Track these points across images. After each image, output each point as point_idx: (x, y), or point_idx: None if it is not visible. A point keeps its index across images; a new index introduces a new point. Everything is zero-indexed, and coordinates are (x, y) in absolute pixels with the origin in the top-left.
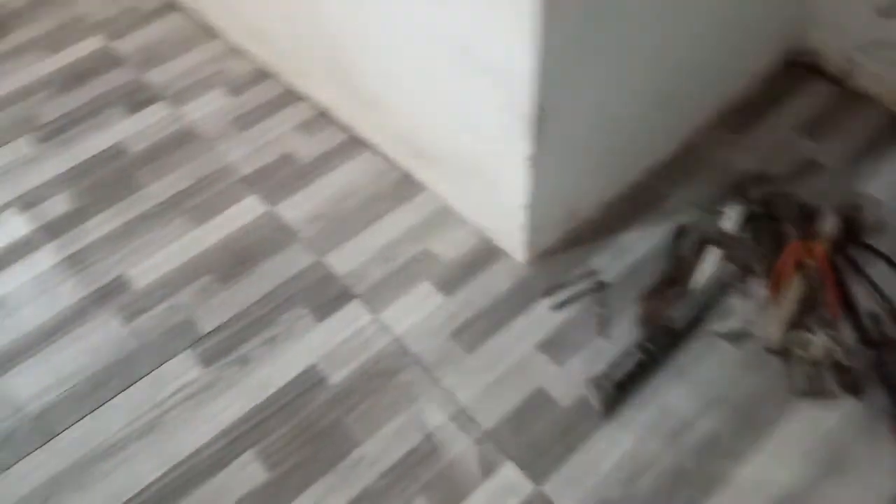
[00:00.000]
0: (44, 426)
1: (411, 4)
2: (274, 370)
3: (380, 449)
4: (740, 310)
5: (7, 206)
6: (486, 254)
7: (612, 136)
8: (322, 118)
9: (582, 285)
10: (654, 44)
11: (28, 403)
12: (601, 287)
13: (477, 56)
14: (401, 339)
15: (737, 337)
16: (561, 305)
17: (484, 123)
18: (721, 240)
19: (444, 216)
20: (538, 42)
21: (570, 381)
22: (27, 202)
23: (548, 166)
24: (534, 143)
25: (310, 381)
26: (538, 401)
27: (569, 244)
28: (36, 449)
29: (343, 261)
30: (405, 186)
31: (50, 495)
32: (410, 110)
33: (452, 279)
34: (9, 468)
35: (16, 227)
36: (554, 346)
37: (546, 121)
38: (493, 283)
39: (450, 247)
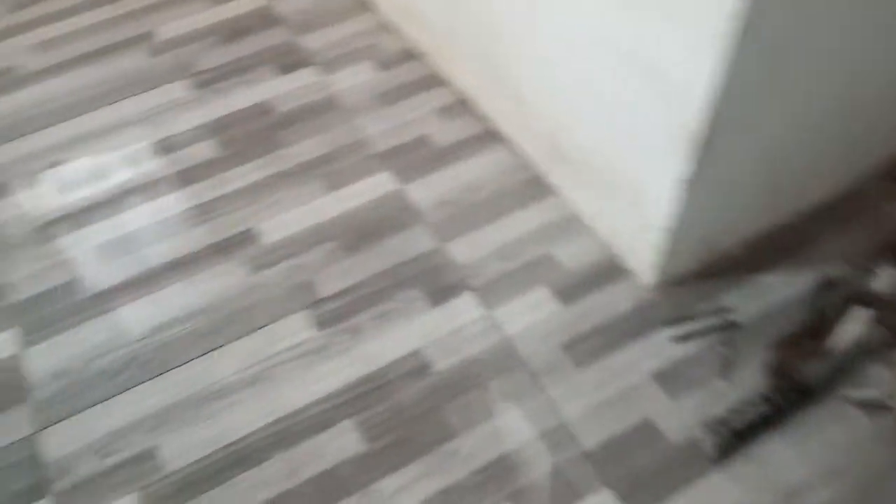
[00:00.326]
0: (160, 359)
1: (584, 1)
2: (382, 345)
3: (475, 445)
4: (881, 379)
5: (150, 146)
6: (610, 270)
7: (775, 171)
8: (463, 106)
9: (710, 321)
10: (843, 81)
11: (149, 335)
12: (731, 326)
13: (647, 63)
14: (511, 339)
15: (873, 407)
16: (684, 338)
17: (641, 135)
18: (871, 300)
19: (572, 224)
20: (725, 64)
21: (682, 417)
22: (169, 145)
23: (700, 193)
24: (693, 166)
25: (415, 363)
26: (645, 432)
27: (701, 275)
28: (150, 379)
29: (463, 251)
30: (536, 187)
31: (158, 425)
32: (559, 110)
33: (572, 289)
34: (123, 392)
35: (155, 167)
36: (670, 379)
37: (712, 146)
38: (614, 301)
39: (574, 256)
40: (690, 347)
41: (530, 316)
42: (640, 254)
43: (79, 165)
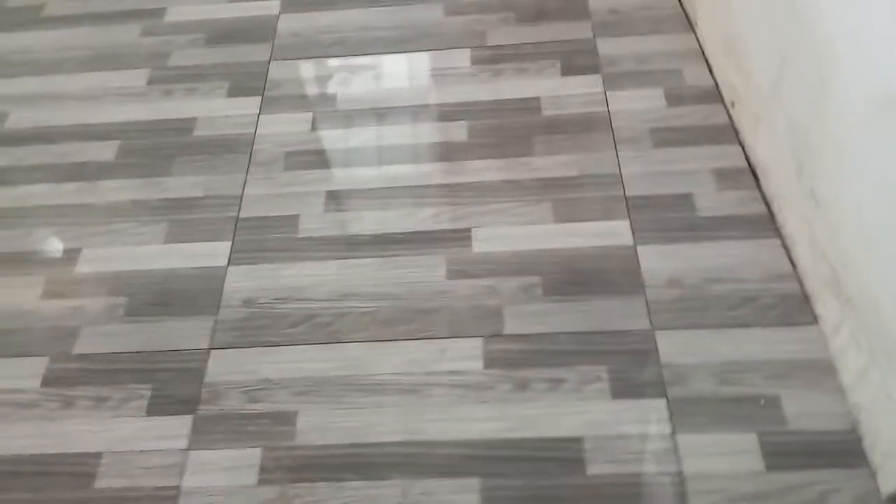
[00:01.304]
0: (336, 331)
1: None
2: (546, 420)
3: None
4: None
5: (408, 108)
6: (842, 451)
7: None
8: (747, 177)
9: None
10: None
11: (339, 300)
12: None
13: None
14: (692, 478)
15: None
16: None
17: None
18: None
19: (822, 372)
20: None
21: None
22: (426, 114)
23: None
24: None
25: (573, 451)
26: None
27: None
28: (322, 344)
29: (674, 349)
30: (795, 307)
31: (307, 391)
32: (859, 242)
33: (783, 452)
34: (294, 345)
35: (399, 133)
36: None
37: None
38: (832, 492)
39: (803, 411)
40: None
41: (721, 460)
42: (891, 456)
43: (337, 104)
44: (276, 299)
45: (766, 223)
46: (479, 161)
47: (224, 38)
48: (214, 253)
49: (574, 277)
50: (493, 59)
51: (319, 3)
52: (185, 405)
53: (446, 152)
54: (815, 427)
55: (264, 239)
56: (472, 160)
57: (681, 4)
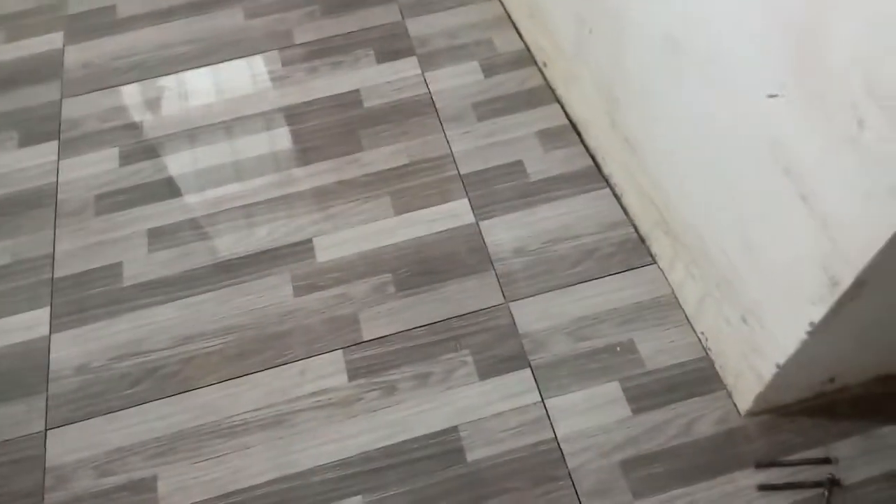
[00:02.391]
0: (185, 379)
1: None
2: (418, 418)
3: None
4: None
5: (222, 125)
6: (698, 379)
7: None
8: (570, 133)
9: (806, 473)
10: None
11: (181, 344)
12: (831, 485)
13: (809, 186)
14: (566, 440)
15: None
16: (770, 488)
17: (770, 252)
18: None
19: (667, 308)
20: None
21: None
22: (243, 126)
23: (827, 338)
24: (826, 315)
25: (450, 443)
26: None
27: (810, 412)
28: (170, 396)
29: (529, 317)
30: (632, 251)
31: (166, 450)
32: (674, 183)
33: (646, 393)
34: (140, 405)
35: (220, 151)
36: None
37: (856, 299)
38: (696, 420)
39: (657, 349)
40: (777, 500)
41: (591, 417)
42: (740, 375)
43: (147, 129)
44: (111, 359)
45: (594, 175)
46: (307, 167)
47: (5, 83)
48: (33, 324)
49: (424, 267)
50: (304, 57)
51: (106, 28)
52: (29, 499)
53: (272, 163)
54: (671, 361)
55: (87, 296)
56: (300, 167)
57: None
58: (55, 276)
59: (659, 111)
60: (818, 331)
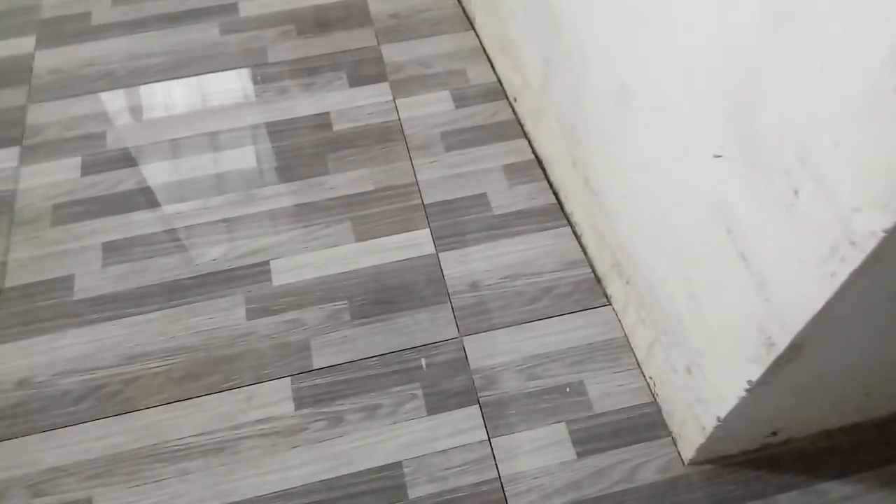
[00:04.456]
0: (128, 399)
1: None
2: (363, 451)
3: None
4: None
5: (192, 138)
6: (644, 424)
7: (868, 374)
8: (535, 168)
9: None
10: None
11: (127, 363)
12: None
13: (748, 248)
14: (510, 481)
15: None
16: None
17: (711, 311)
18: None
19: (619, 351)
20: (846, 296)
21: None
22: (212, 142)
23: (767, 395)
24: (764, 374)
25: (393, 479)
26: None
27: (753, 463)
28: (112, 416)
29: (482, 352)
30: (589, 291)
31: (103, 472)
32: (628, 228)
33: (592, 436)
34: (79, 423)
35: (190, 165)
36: None
37: (793, 361)
38: (640, 466)
39: (606, 392)
40: None
41: (540, 455)
42: (685, 423)
43: (109, 144)
44: (54, 375)
45: (556, 213)
46: (270, 187)
47: None
48: None
49: (381, 296)
50: (276, 76)
51: (80, 35)
52: None
53: (236, 181)
54: (619, 405)
55: (34, 308)
56: (262, 187)
57: (459, 4)
58: (4, 285)
59: (615, 155)
60: (756, 388)
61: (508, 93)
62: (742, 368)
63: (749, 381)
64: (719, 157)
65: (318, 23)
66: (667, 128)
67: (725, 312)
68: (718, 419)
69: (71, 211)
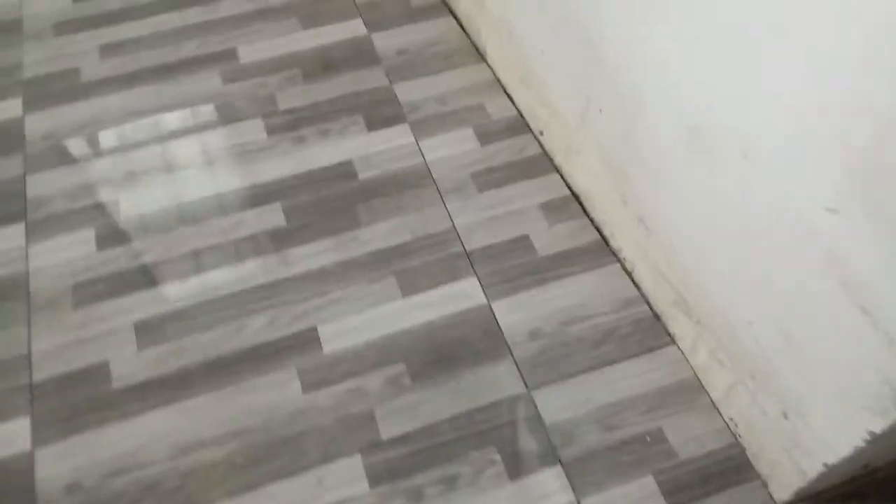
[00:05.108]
0: (188, 495)
1: (801, 200)
2: None
3: None
4: None
5: (205, 199)
6: (731, 468)
7: None
8: (572, 204)
9: None
10: None
11: (182, 454)
12: None
13: (866, 299)
14: None
15: None
16: None
17: (814, 357)
18: None
19: (691, 392)
20: None
21: None
22: (228, 203)
23: (886, 443)
24: (891, 426)
25: None
26: None
27: (842, 497)
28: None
29: (554, 406)
30: (649, 330)
31: None
32: (703, 268)
33: (681, 486)
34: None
35: (209, 231)
36: None
37: None
38: None
39: (687, 437)
40: None
41: None
42: (778, 465)
43: (122, 212)
44: (104, 476)
45: (602, 249)
46: (304, 246)
47: None
48: (11, 437)
49: (439, 354)
50: (290, 124)
51: (71, 93)
52: None
53: (266, 243)
54: (702, 450)
55: (71, 403)
56: (296, 247)
57: (467, 36)
58: (34, 380)
59: (683, 197)
60: (878, 439)
61: (533, 126)
62: (860, 419)
63: (871, 433)
64: (834, 211)
65: (323, 65)
66: (756, 174)
67: (836, 360)
68: (826, 465)
69: (92, 290)
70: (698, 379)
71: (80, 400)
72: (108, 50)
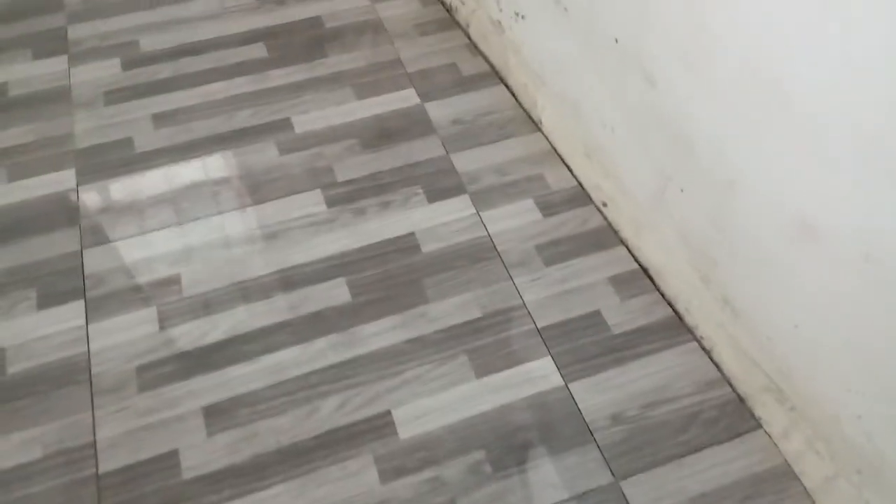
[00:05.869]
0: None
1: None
2: None
3: None
4: None
5: (268, 276)
6: None
7: None
8: (642, 279)
9: None
10: None
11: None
12: None
13: None
14: None
15: None
16: None
17: None
18: None
19: (783, 479)
20: None
21: None
22: (293, 279)
23: None
24: None
25: None
26: None
27: None
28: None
29: (645, 497)
30: (735, 414)
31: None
32: (806, 360)
33: None
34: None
35: (272, 308)
36: None
37: None
38: None
39: None
40: None
41: None
42: None
43: (187, 285)
44: None
45: (677, 326)
46: (372, 323)
47: (12, 232)
48: None
49: (519, 440)
50: (349, 196)
51: (126, 165)
52: None
53: (332, 320)
54: None
55: (141, 496)
56: (363, 324)
57: (520, 105)
58: (100, 471)
59: (782, 285)
60: None
61: (594, 197)
62: None
63: None
64: None
65: (380, 134)
66: (880, 275)
67: None
68: None
69: (158, 372)
70: (789, 465)
71: (150, 493)
72: (160, 119)
